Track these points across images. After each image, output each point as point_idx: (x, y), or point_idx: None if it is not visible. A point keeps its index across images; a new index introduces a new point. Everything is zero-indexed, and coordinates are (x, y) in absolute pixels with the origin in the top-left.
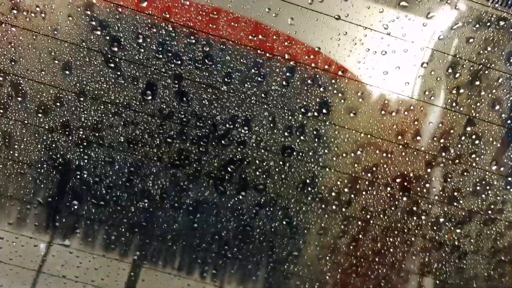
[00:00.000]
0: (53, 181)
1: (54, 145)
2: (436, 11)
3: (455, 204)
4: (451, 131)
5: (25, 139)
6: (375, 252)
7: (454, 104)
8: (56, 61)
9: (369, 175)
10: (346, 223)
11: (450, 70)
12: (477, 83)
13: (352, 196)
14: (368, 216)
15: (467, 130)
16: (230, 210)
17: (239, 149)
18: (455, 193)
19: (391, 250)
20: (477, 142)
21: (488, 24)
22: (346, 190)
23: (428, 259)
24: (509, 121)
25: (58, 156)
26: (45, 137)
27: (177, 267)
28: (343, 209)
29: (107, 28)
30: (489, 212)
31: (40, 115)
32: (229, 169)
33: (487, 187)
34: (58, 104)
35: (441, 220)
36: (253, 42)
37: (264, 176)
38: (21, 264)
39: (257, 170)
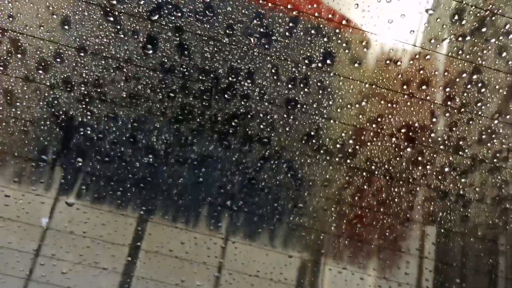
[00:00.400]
0: (56, 138)
1: (56, 101)
2: None
3: (460, 153)
4: (457, 79)
5: (26, 96)
6: (380, 202)
7: (460, 52)
8: (55, 16)
9: (374, 126)
10: (351, 174)
11: (456, 17)
12: (483, 30)
13: (357, 147)
14: (373, 167)
15: (473, 78)
16: (235, 164)
17: (242, 103)
18: (461, 142)
19: (396, 200)
20: (483, 90)
21: None
22: (351, 141)
23: (433, 208)
24: None
25: (61, 112)
26: (46, 94)
27: (184, 221)
28: (348, 161)
29: None
30: (495, 160)
31: (40, 71)
32: (233, 123)
33: (493, 136)
34: (59, 60)
35: (446, 169)
36: None
37: (268, 129)
38: (28, 221)
39: (261, 123)
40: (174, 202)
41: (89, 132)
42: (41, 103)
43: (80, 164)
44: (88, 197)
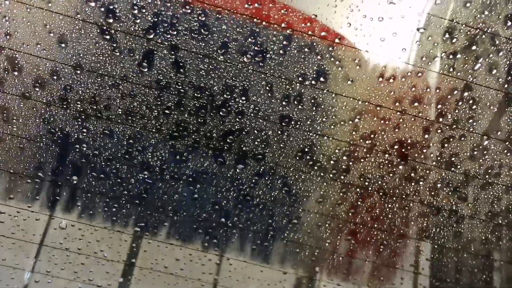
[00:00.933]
0: (52, 155)
1: (52, 118)
2: None
3: (452, 169)
4: (448, 96)
5: (23, 113)
6: (374, 218)
7: (451, 70)
8: (52, 34)
9: (367, 142)
10: (345, 190)
11: (447, 35)
12: (474, 48)
13: (351, 163)
14: (367, 183)
15: (464, 96)
16: (230, 180)
17: (237, 119)
18: (453, 158)
19: (389, 216)
20: (474, 107)
21: None
22: (344, 157)
23: (426, 224)
24: (506, 86)
25: (57, 129)
26: (43, 111)
27: (178, 237)
28: (342, 177)
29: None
30: (487, 176)
31: (37, 89)
32: (227, 139)
33: (484, 152)
34: (55, 77)
35: (439, 185)
36: (249, 10)
37: (262, 145)
38: (24, 238)
39: (255, 140)
40: (169, 219)
41: (84, 149)
42: (37, 120)
43: (75, 181)
44: (83, 214)
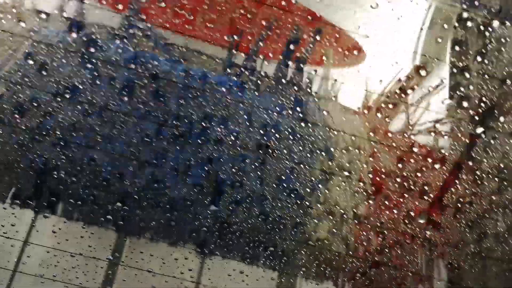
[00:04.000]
0: (29, 181)
1: (30, 145)
2: None
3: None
4: None
5: (0, 139)
6: (347, 245)
7: None
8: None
9: (343, 171)
10: (322, 218)
11: None
12: None
13: (327, 192)
14: (342, 211)
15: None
16: (208, 207)
17: (215, 147)
18: (426, 187)
19: (364, 243)
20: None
21: None
22: (320, 186)
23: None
24: None
25: (35, 156)
26: (21, 137)
27: (156, 264)
28: (319, 205)
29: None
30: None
31: (16, 116)
32: (205, 167)
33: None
34: (35, 104)
35: (412, 214)
36: (228, 42)
37: (240, 173)
38: None
39: (233, 168)
40: (145, 246)
41: (62, 175)
42: (15, 146)
43: (52, 206)
44: (58, 240)
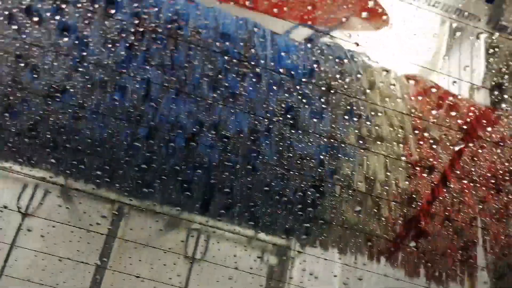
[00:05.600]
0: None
1: (20, 147)
2: None
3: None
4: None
5: None
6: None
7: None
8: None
9: (334, 177)
10: (312, 224)
11: None
12: None
13: (318, 197)
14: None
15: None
16: (197, 212)
17: (206, 152)
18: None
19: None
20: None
21: None
22: (309, 192)
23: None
24: None
25: (24, 159)
26: (11, 140)
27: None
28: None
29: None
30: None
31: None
32: (195, 172)
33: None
34: (26, 106)
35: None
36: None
37: (230, 178)
38: None
39: (223, 173)
40: (133, 251)
41: (51, 178)
42: (4, 148)
43: (39, 209)
44: (47, 244)
